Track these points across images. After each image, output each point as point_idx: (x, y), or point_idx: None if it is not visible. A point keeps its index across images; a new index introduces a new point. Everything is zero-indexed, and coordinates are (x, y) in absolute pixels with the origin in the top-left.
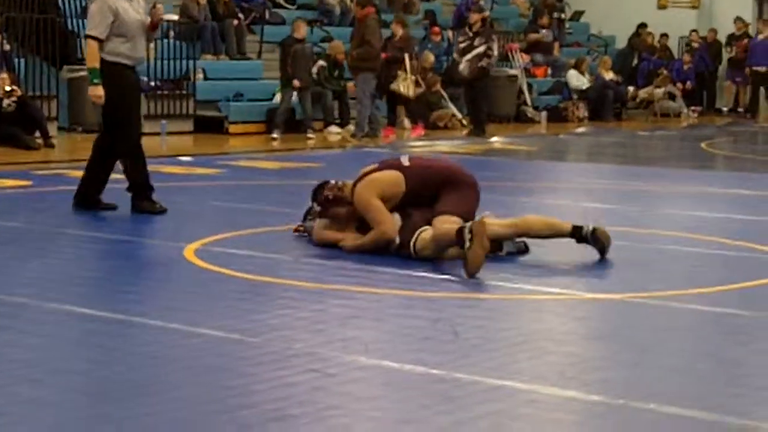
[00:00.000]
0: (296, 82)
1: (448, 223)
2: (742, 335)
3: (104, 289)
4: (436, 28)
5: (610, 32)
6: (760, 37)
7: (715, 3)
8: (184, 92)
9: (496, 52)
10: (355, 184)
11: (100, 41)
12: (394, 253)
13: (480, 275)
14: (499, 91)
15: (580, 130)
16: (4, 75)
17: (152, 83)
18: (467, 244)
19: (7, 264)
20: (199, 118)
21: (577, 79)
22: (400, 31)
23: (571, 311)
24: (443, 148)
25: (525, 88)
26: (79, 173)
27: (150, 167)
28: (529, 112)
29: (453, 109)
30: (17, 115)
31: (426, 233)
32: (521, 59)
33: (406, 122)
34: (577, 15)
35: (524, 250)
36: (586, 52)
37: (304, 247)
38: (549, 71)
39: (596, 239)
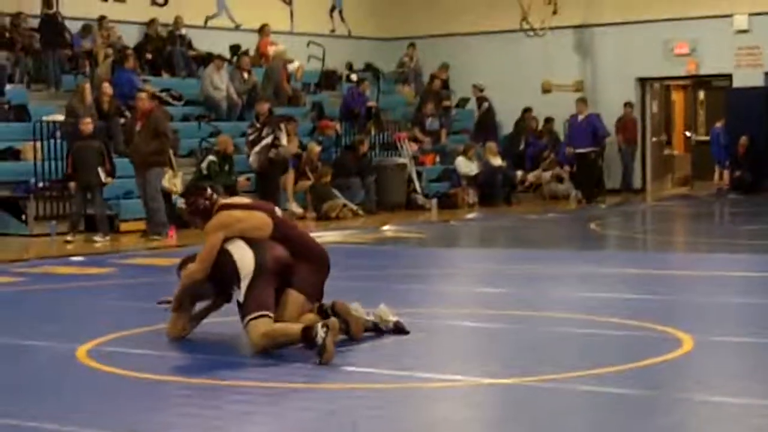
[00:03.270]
0: (73, 185)
1: (290, 306)
2: (639, 416)
3: None
4: (326, 121)
5: (496, 118)
6: (580, 117)
7: (598, 86)
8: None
9: (284, 141)
10: (221, 208)
11: None
12: (229, 301)
13: (374, 364)
14: (388, 180)
15: (471, 215)
16: None
17: (40, 184)
18: (320, 339)
19: None
20: (89, 216)
21: (466, 166)
22: None
23: (467, 397)
24: (335, 237)
25: (414, 176)
26: None
27: (40, 269)
28: (420, 199)
29: (343, 199)
30: None
31: (260, 326)
32: (409, 148)
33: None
34: (463, 102)
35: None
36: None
37: (199, 344)
38: (437, 158)
39: (336, 312)
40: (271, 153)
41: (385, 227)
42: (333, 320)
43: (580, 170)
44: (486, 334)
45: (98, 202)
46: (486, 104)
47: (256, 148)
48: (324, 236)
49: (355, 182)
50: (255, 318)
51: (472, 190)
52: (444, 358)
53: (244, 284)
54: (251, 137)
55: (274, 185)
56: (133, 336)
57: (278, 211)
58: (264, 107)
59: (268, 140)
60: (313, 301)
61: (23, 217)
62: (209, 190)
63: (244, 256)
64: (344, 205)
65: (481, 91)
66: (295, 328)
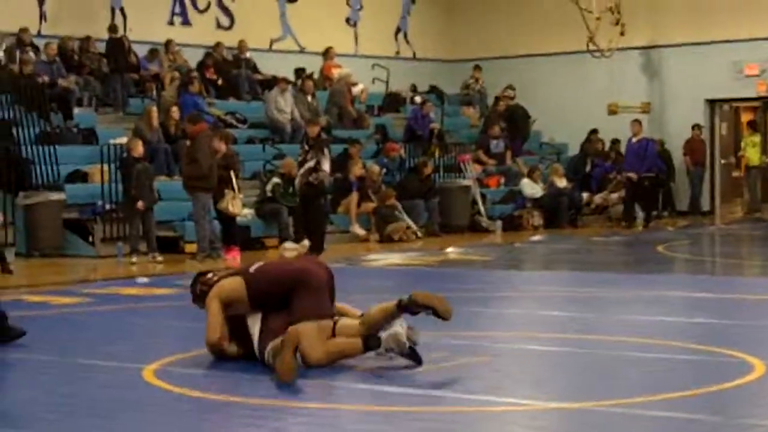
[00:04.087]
0: (141, 204)
1: (304, 339)
2: None
3: (64, 415)
4: (390, 143)
5: (561, 139)
6: (634, 140)
7: (666, 108)
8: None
9: (326, 167)
10: (212, 285)
11: None
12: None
13: (439, 386)
14: (452, 202)
15: (536, 238)
16: None
17: (106, 206)
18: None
19: None
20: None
21: (531, 188)
22: (223, 148)
23: (533, 421)
24: (398, 260)
25: (478, 198)
26: (38, 298)
27: (107, 289)
28: (484, 222)
29: (408, 221)
30: None
31: (273, 350)
32: (473, 170)
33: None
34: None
35: (407, 351)
36: (538, 160)
37: (261, 365)
38: (502, 180)
39: (414, 301)
40: (311, 177)
41: (449, 249)
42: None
43: (629, 193)
44: (552, 357)
45: (153, 223)
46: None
47: (301, 171)
48: (387, 258)
49: (419, 204)
50: (273, 345)
51: (537, 212)
52: (510, 381)
53: (255, 338)
54: (300, 159)
55: (317, 209)
56: (199, 356)
57: (254, 266)
58: (314, 130)
59: (310, 164)
60: (328, 319)
61: (90, 238)
62: (209, 275)
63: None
64: (408, 227)
65: (512, 99)
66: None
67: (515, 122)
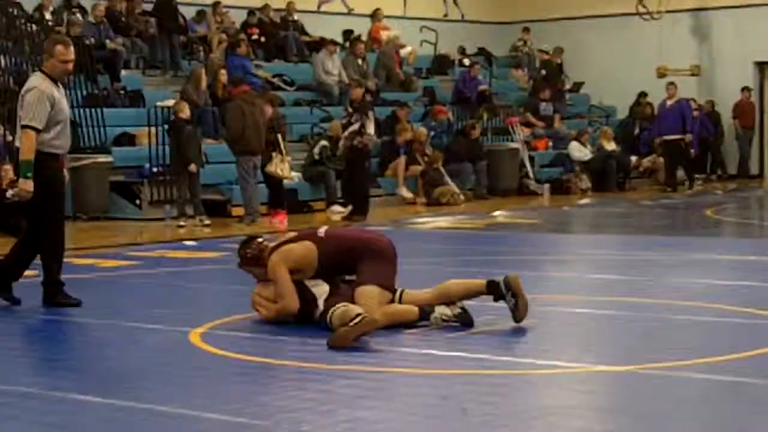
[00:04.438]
0: (193, 167)
1: (363, 298)
2: (758, 405)
3: (110, 376)
4: (438, 106)
5: (610, 102)
6: (669, 102)
7: (716, 71)
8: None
9: (371, 130)
10: (272, 251)
11: (38, 131)
12: (316, 321)
13: (487, 350)
14: (500, 165)
15: (584, 201)
16: (8, 166)
17: (153, 169)
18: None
19: (7, 353)
20: (202, 201)
21: (579, 151)
22: (269, 111)
23: (580, 385)
24: (445, 223)
25: (527, 161)
26: (85, 260)
27: (153, 252)
28: (532, 185)
29: (452, 185)
30: (21, 205)
31: (338, 311)
32: (522, 132)
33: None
34: (577, 86)
35: (466, 320)
36: (587, 123)
37: (309, 329)
38: (550, 144)
39: (507, 285)
40: (355, 140)
41: (497, 213)
42: (368, 318)
43: (666, 158)
44: (600, 320)
45: (198, 186)
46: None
47: (345, 134)
48: (434, 222)
49: (467, 167)
50: (336, 309)
51: (585, 175)
52: (557, 344)
53: (321, 301)
54: (344, 122)
55: (361, 172)
56: (245, 320)
57: (321, 231)
58: (358, 93)
59: (355, 126)
60: (390, 292)
61: (137, 201)
62: (260, 239)
63: (318, 286)
64: (455, 192)
65: (547, 53)
66: (351, 312)
67: (547, 78)
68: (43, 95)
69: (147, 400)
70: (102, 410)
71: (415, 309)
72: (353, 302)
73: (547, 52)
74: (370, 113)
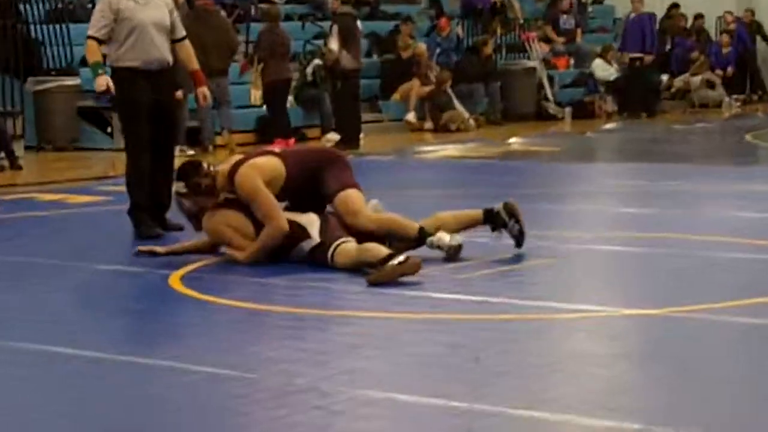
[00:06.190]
0: (179, 93)
1: (351, 204)
2: None
3: (86, 325)
4: (445, 19)
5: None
6: (632, 15)
7: None
8: None
9: (333, 46)
10: (232, 172)
11: (100, 42)
12: (301, 255)
13: (501, 293)
14: (516, 86)
15: (609, 126)
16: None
17: None
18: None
19: None
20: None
21: (604, 69)
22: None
23: (605, 330)
24: (455, 151)
25: (545, 81)
26: (52, 196)
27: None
28: (551, 108)
29: (462, 110)
30: None
31: (350, 246)
32: (540, 49)
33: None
34: None
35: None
36: (612, 38)
37: (302, 269)
38: (571, 61)
39: (510, 210)
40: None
41: (512, 140)
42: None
43: (627, 78)
44: (628, 259)
45: (186, 113)
46: None
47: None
48: (443, 150)
49: (478, 89)
50: (346, 243)
51: (611, 97)
52: (579, 286)
53: (314, 231)
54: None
55: (345, 95)
56: (230, 262)
57: (275, 148)
58: (335, 3)
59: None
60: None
61: (109, 129)
62: (204, 164)
63: (305, 216)
64: (465, 116)
65: None
66: (383, 253)
67: None
68: (106, 6)
69: (126, 353)
70: (79, 363)
71: (416, 225)
72: (347, 230)
73: None
74: (335, 27)
